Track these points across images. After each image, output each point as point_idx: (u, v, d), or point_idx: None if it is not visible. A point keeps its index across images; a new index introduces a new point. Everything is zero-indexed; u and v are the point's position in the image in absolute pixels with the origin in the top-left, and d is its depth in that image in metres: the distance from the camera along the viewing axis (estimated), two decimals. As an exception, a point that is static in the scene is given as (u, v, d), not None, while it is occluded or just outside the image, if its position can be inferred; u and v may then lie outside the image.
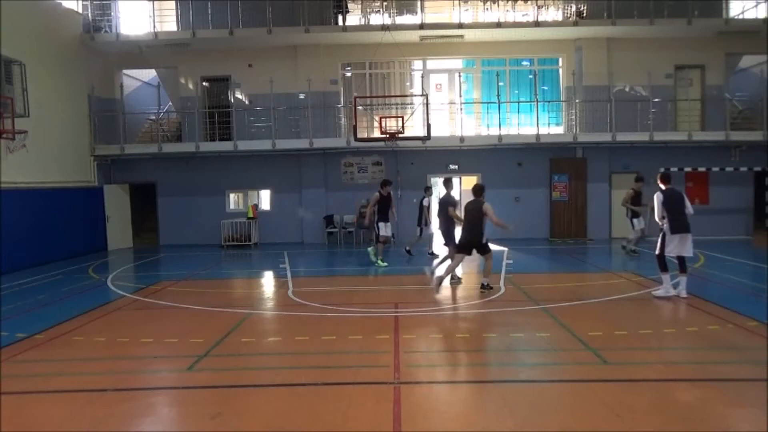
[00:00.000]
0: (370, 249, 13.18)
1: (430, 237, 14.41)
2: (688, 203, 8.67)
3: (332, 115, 17.61)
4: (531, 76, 17.87)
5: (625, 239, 14.23)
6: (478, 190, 9.44)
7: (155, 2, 17.00)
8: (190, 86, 18.17)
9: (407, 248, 14.29)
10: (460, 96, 17.45)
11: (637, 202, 13.47)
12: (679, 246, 8.55)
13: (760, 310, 7.69)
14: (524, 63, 18.50)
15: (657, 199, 8.76)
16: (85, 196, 16.32)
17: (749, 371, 5.47)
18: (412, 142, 16.01)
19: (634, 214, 13.52)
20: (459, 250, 9.51)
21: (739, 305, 8.00)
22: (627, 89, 17.24)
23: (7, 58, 12.93)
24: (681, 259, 8.64)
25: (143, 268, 13.88)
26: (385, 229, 12.67)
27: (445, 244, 10.79)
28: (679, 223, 8.53)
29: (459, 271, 10.93)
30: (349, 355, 6.26)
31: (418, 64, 18.46)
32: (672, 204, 8.60)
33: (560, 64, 18.22)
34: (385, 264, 12.51)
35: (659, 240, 8.75)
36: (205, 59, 17.66)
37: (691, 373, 5.51)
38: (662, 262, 8.73)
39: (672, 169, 16.90)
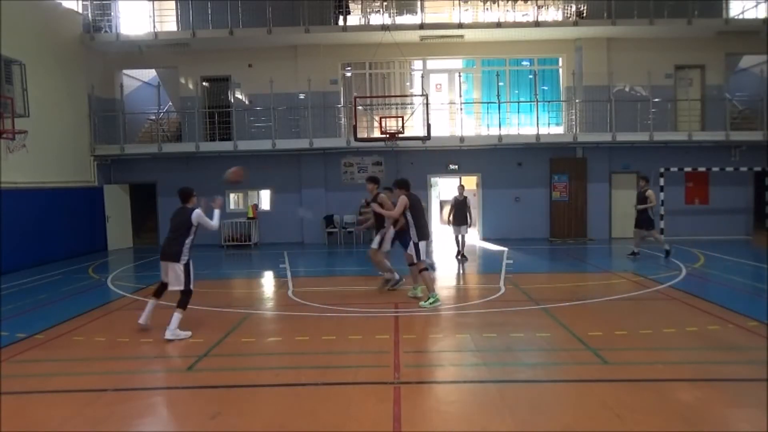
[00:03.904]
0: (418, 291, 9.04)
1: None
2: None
3: (332, 115, 17.61)
4: (531, 76, 17.87)
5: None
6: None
7: (155, 2, 17.00)
8: (190, 86, 18.17)
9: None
10: (460, 96, 17.45)
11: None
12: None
13: (760, 310, 7.70)
14: (524, 63, 18.49)
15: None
16: (85, 196, 16.32)
17: (749, 371, 5.47)
18: (412, 142, 16.00)
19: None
20: None
21: (739, 305, 8.01)
22: (627, 89, 17.23)
23: (7, 58, 12.93)
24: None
25: (143, 268, 13.87)
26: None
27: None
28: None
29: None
30: (349, 355, 6.26)
31: (418, 64, 18.45)
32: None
33: (560, 64, 18.22)
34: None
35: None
36: (205, 59, 17.67)
37: (691, 373, 5.51)
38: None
39: (672, 169, 16.93)
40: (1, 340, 6.97)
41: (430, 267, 10.69)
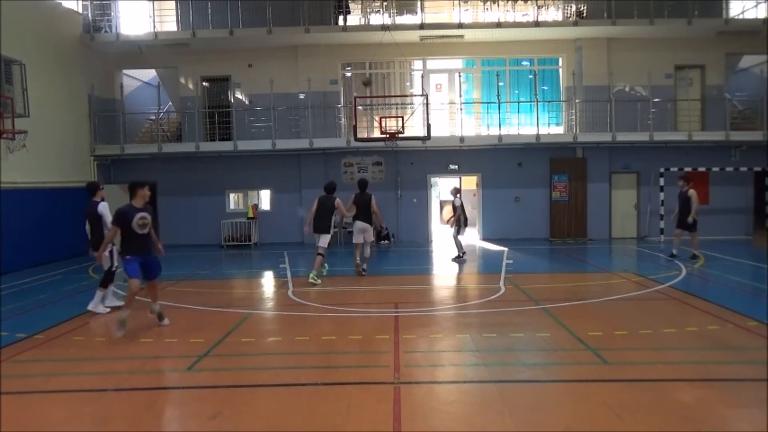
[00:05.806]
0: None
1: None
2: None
3: (332, 115, 17.60)
4: (531, 76, 17.87)
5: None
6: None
7: (155, 2, 17.00)
8: (190, 86, 18.16)
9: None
10: (460, 96, 17.45)
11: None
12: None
13: (760, 310, 7.69)
14: (524, 63, 18.50)
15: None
16: (86, 196, 16.20)
17: (749, 371, 5.47)
18: (412, 142, 15.99)
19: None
20: None
21: (739, 305, 8.00)
22: (627, 89, 17.23)
23: (7, 58, 12.93)
24: None
25: (143, 268, 13.84)
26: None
27: None
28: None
29: None
30: (349, 355, 6.26)
31: (418, 64, 18.44)
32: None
33: (560, 64, 18.22)
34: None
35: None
36: (205, 59, 17.66)
37: (691, 373, 5.51)
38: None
39: (672, 169, 16.94)
40: (1, 340, 6.96)
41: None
